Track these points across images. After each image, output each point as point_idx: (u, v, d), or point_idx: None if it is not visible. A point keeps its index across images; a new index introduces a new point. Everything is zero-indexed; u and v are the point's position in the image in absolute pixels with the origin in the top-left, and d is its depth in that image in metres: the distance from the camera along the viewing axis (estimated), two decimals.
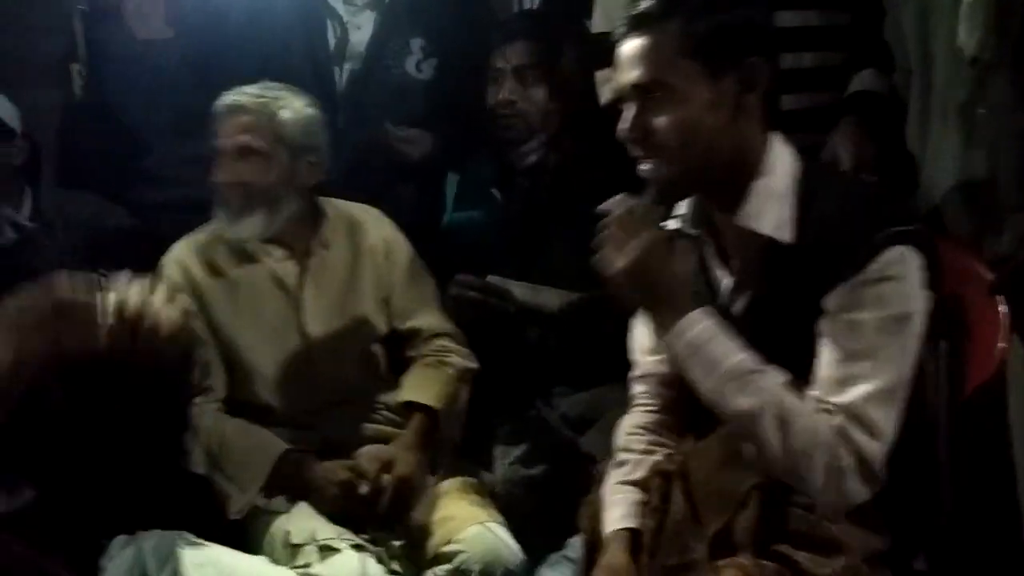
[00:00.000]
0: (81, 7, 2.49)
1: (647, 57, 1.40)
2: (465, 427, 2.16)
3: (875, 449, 1.32)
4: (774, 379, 1.35)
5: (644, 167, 1.46)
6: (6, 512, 1.43)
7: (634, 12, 1.43)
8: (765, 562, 1.35)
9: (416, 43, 2.40)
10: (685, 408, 1.66)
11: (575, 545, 1.69)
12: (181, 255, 2.04)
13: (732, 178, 1.43)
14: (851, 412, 1.32)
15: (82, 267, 2.13)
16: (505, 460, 2.12)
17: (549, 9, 2.31)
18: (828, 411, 1.32)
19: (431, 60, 2.40)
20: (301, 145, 2.02)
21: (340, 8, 2.39)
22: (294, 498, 1.91)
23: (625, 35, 1.43)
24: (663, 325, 1.41)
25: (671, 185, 1.46)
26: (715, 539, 1.41)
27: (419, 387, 2.04)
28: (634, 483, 1.58)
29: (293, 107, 2.02)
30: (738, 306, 1.48)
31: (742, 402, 1.34)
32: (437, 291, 2.18)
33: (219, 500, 1.91)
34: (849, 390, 1.32)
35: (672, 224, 1.55)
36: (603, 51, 2.06)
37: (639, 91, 1.41)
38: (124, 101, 2.44)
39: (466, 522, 1.87)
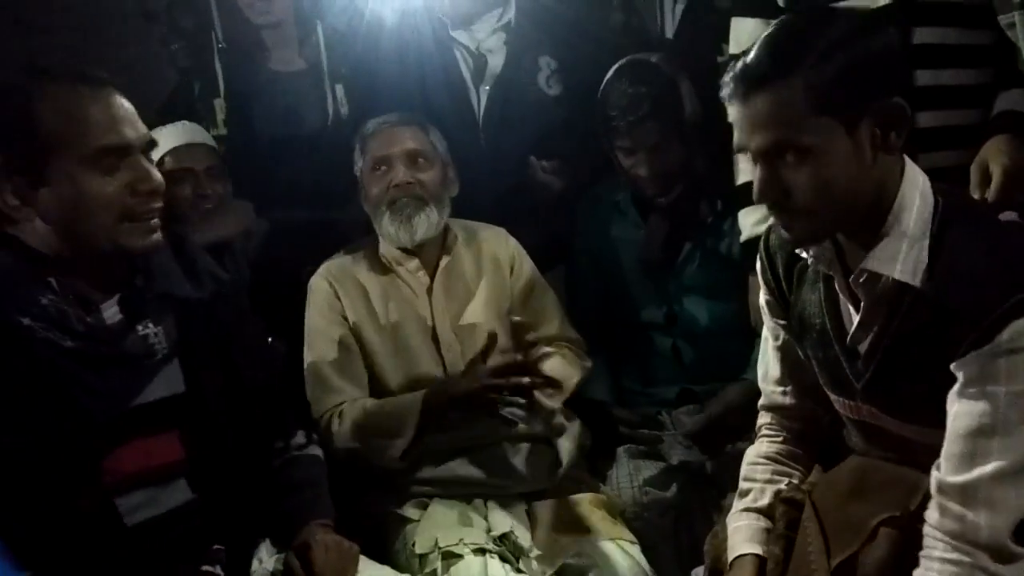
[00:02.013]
0: (221, 45, 2.62)
1: (773, 119, 1.29)
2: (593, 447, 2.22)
3: (999, 527, 1.28)
4: None
5: (780, 224, 1.41)
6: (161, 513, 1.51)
7: (747, 72, 1.31)
8: None
9: (544, 60, 2.45)
10: (811, 439, 1.68)
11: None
12: (329, 272, 2.17)
13: (869, 215, 1.36)
14: (969, 492, 1.29)
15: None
16: (635, 481, 2.14)
17: (664, 54, 2.27)
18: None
19: (559, 75, 2.46)
20: (447, 157, 2.21)
21: (468, 40, 2.46)
22: (448, 419, 1.99)
23: (742, 96, 1.32)
24: None
25: (812, 238, 1.41)
26: (837, 570, 1.40)
27: None
28: (758, 510, 1.59)
29: (432, 126, 2.20)
30: (864, 344, 1.44)
31: None
32: (559, 302, 2.26)
33: (370, 460, 2.01)
34: (973, 468, 1.28)
35: (805, 255, 1.51)
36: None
37: (768, 155, 1.32)
38: (262, 129, 2.56)
39: (598, 536, 1.89)
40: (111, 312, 1.50)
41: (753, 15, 2.02)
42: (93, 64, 1.48)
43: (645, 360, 2.37)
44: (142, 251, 1.47)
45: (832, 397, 1.55)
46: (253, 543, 1.65)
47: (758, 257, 1.64)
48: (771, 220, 1.97)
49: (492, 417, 2.00)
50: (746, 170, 2.08)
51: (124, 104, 1.45)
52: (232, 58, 2.61)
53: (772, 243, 1.59)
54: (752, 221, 2.08)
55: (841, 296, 1.47)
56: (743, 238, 2.11)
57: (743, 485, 1.64)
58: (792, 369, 1.64)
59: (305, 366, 2.09)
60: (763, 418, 1.71)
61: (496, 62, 2.46)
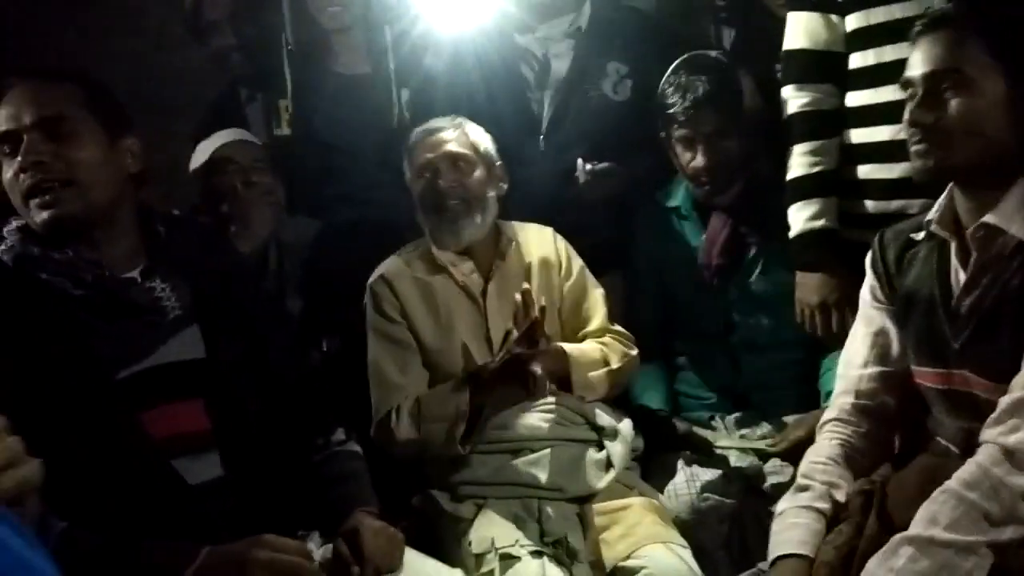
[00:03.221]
0: (289, 48, 2.68)
1: (947, 47, 1.48)
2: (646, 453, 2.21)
3: None
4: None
5: (918, 148, 1.50)
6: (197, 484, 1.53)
7: (933, 15, 1.53)
8: None
9: (612, 66, 2.48)
10: (875, 444, 1.67)
11: None
12: (387, 273, 2.20)
13: (998, 178, 1.47)
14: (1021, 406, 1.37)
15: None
16: (693, 488, 2.11)
17: (726, 51, 2.31)
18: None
19: (627, 82, 2.48)
20: (490, 155, 2.23)
21: (533, 45, 2.50)
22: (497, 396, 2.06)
23: (922, 33, 1.51)
24: None
25: (942, 170, 1.51)
26: None
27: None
28: (818, 511, 1.56)
29: (474, 126, 2.23)
30: (967, 303, 1.50)
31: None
32: (605, 300, 2.26)
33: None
34: None
35: (920, 235, 1.60)
36: (791, 67, 2.10)
37: (933, 79, 1.48)
38: (328, 129, 2.61)
39: (650, 539, 1.87)
40: (128, 272, 1.58)
41: (810, 8, 2.01)
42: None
43: (703, 367, 2.35)
44: (44, 228, 1.52)
45: (923, 371, 1.59)
46: (293, 535, 1.62)
47: (871, 249, 1.71)
48: (825, 218, 1.97)
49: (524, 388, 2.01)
50: (798, 164, 2.04)
51: (27, 91, 1.52)
52: (300, 60, 2.67)
53: (887, 237, 1.69)
54: (805, 216, 2.06)
55: (953, 263, 1.55)
56: (794, 233, 2.09)
57: (801, 482, 1.62)
58: (880, 353, 1.68)
59: (368, 367, 2.12)
60: (832, 412, 1.70)
61: (560, 67, 2.49)
